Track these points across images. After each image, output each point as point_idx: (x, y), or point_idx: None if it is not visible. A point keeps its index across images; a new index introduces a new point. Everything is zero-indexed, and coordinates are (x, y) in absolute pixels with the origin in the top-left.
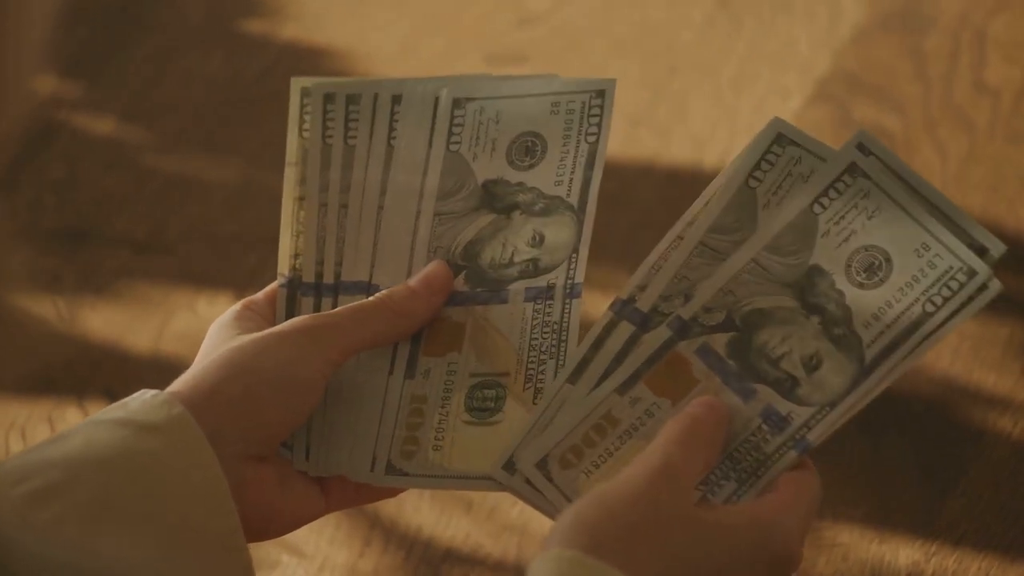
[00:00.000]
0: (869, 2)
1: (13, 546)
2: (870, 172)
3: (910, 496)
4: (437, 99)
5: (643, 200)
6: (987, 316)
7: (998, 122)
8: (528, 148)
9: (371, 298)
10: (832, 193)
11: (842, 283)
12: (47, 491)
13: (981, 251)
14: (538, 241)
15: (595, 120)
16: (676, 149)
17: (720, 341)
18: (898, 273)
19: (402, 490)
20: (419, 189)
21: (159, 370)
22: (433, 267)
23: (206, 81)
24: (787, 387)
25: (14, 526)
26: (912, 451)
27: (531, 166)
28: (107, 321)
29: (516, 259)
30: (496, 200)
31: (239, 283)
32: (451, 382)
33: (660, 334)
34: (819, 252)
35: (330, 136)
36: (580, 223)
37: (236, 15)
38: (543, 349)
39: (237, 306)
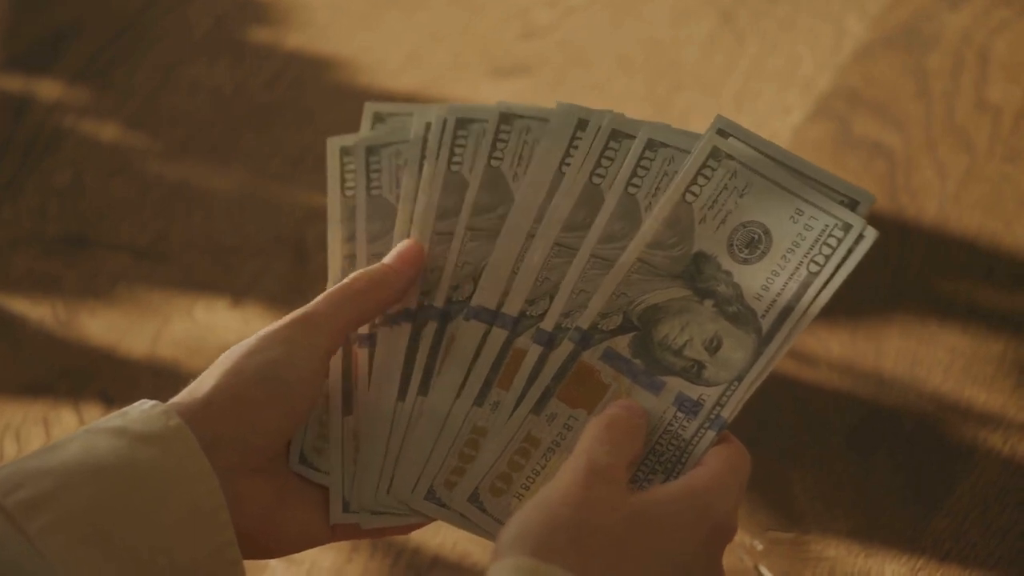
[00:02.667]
0: (872, 20)
1: (4, 555)
2: (733, 153)
3: (898, 512)
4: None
5: None
6: (980, 333)
7: (998, 141)
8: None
9: (344, 279)
10: (700, 180)
11: (727, 263)
12: (40, 499)
13: (852, 205)
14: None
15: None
16: None
17: (622, 343)
18: (778, 242)
19: (408, 529)
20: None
21: (155, 375)
22: (406, 243)
23: (212, 90)
24: (694, 373)
25: (7, 535)
26: (901, 467)
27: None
28: (105, 325)
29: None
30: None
31: (237, 291)
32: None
33: (564, 349)
34: (699, 238)
35: (376, 188)
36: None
37: (243, 24)
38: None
39: (252, 339)
